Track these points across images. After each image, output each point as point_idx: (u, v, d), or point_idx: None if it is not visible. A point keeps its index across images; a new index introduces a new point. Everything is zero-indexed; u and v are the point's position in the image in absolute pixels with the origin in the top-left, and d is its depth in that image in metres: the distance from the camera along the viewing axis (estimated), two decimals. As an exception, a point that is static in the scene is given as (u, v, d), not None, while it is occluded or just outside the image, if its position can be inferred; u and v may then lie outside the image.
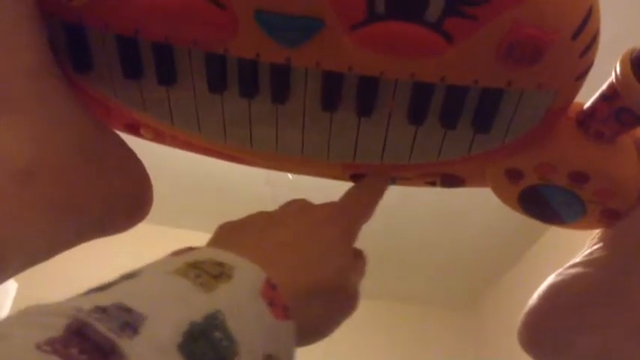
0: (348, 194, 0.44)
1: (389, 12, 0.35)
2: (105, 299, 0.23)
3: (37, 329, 0.20)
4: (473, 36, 0.35)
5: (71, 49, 0.40)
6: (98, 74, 0.42)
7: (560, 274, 0.50)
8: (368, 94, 0.41)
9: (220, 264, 0.27)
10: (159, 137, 0.48)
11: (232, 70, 0.41)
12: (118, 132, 0.46)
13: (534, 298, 0.50)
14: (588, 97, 0.44)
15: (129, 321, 0.22)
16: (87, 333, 0.20)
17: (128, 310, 0.22)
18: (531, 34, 0.35)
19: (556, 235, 2.12)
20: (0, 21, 0.35)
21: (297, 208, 0.39)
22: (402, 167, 0.48)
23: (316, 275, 0.34)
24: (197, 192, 2.24)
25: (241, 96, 0.42)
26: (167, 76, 0.41)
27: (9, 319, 0.21)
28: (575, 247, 0.52)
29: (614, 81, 0.40)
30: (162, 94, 0.43)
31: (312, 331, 0.33)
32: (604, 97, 0.42)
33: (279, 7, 0.35)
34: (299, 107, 0.43)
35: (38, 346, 0.19)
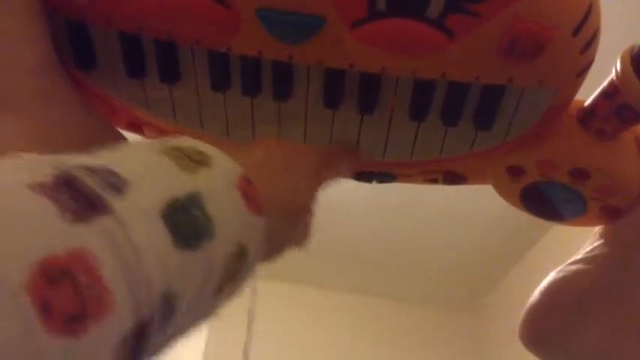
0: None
1: (390, 9, 0.35)
2: (89, 161, 0.23)
3: (26, 173, 0.20)
4: (474, 32, 0.35)
5: (74, 46, 0.41)
6: (101, 72, 0.42)
7: (560, 270, 0.50)
8: (370, 92, 0.41)
9: (200, 152, 0.28)
10: (162, 136, 0.48)
11: (235, 69, 0.41)
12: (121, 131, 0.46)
13: (535, 295, 0.50)
14: (590, 96, 0.44)
15: (115, 182, 0.22)
16: (75, 185, 0.21)
17: (114, 174, 0.23)
18: (532, 29, 0.35)
19: (557, 235, 2.12)
20: (3, 12, 0.35)
21: (276, 139, 0.39)
22: (404, 165, 0.48)
23: (289, 194, 0.35)
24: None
25: (244, 94, 0.42)
26: (170, 74, 0.41)
27: (2, 163, 0.21)
28: (576, 246, 0.52)
29: (614, 78, 0.41)
30: (165, 93, 0.43)
31: (272, 247, 0.33)
32: (605, 94, 0.42)
33: (281, 4, 0.35)
34: (301, 105, 0.43)
35: (29, 187, 0.19)
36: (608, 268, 0.48)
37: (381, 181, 0.52)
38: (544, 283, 0.50)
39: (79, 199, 0.20)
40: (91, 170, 0.22)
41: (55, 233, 0.19)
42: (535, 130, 0.43)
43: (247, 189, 0.29)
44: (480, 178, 0.50)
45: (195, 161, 0.27)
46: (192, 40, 0.39)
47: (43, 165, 0.21)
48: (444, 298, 2.74)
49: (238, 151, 0.35)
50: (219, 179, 0.28)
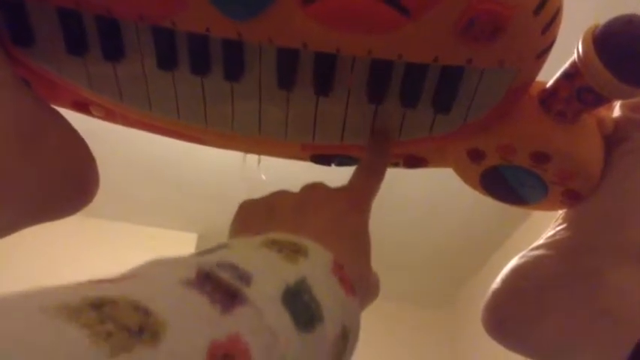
0: (360, 178, 0.43)
1: None
2: (215, 259, 0.25)
3: (174, 272, 0.23)
4: (431, 11, 0.34)
5: (9, 21, 0.38)
6: (40, 48, 0.40)
7: (523, 256, 0.49)
8: (325, 72, 0.39)
9: (294, 243, 0.30)
10: (110, 116, 0.46)
11: (182, 46, 0.39)
12: (67, 111, 0.44)
13: (497, 281, 0.50)
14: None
15: (241, 275, 0.24)
16: (215, 278, 0.23)
17: (237, 268, 0.25)
18: (490, 9, 0.33)
19: (528, 230, 2.12)
20: None
21: (323, 195, 0.39)
22: (363, 148, 0.46)
23: (364, 259, 0.37)
24: (171, 189, 2.20)
25: (193, 73, 0.40)
26: (113, 51, 0.39)
27: (142, 265, 0.24)
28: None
29: (575, 59, 0.39)
30: (109, 71, 0.41)
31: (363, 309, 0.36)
32: (566, 76, 0.41)
33: None
34: (254, 85, 0.41)
35: (181, 282, 0.22)
36: (570, 253, 0.47)
37: (340, 164, 0.50)
38: (506, 270, 0.50)
39: (221, 290, 0.23)
40: (220, 265, 0.24)
41: (214, 321, 0.21)
42: (495, 113, 0.42)
43: (341, 273, 0.30)
44: (440, 161, 0.49)
45: (294, 251, 0.29)
46: (135, 15, 0.37)
47: (184, 263, 0.24)
48: (419, 294, 2.74)
49: (297, 216, 0.36)
50: (318, 266, 0.29)
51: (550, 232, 0.50)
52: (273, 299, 0.25)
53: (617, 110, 0.46)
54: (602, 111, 0.45)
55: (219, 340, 0.20)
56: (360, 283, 0.33)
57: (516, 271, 0.49)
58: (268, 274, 0.26)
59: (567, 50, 0.41)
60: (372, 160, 0.43)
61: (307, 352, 0.25)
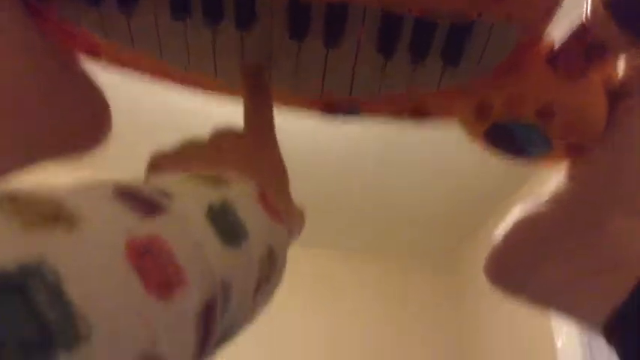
0: (250, 116, 0.42)
1: None
2: (135, 184, 0.25)
3: (91, 188, 0.22)
4: None
5: None
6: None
7: (525, 208, 0.50)
8: (336, 22, 0.40)
9: (217, 176, 0.30)
10: (121, 64, 0.47)
11: None
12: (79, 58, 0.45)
13: (500, 233, 0.51)
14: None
15: (163, 192, 0.25)
16: (134, 193, 0.23)
17: (158, 188, 0.25)
18: None
19: (532, 188, 2.13)
20: None
21: (233, 138, 0.39)
22: (371, 100, 0.47)
23: (283, 190, 0.38)
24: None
25: (205, 22, 0.41)
26: (127, 0, 0.40)
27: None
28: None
29: (583, 16, 0.40)
30: (122, 21, 0.41)
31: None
32: (574, 33, 0.41)
33: None
34: (265, 35, 0.42)
35: (98, 195, 0.22)
36: (571, 205, 0.48)
37: (349, 116, 0.51)
38: (508, 221, 0.51)
39: (141, 202, 0.22)
40: (140, 184, 0.24)
41: (133, 223, 0.21)
42: (503, 68, 0.42)
43: (266, 202, 0.31)
44: (446, 113, 0.49)
45: (217, 182, 0.29)
46: None
47: (103, 184, 0.23)
48: (422, 251, 2.76)
49: (212, 160, 0.36)
50: (241, 193, 0.30)
51: (553, 188, 0.50)
52: (197, 213, 0.25)
53: (622, 67, 0.47)
54: (607, 68, 0.46)
55: (138, 238, 0.20)
56: (284, 213, 0.33)
57: (519, 223, 0.50)
58: (191, 194, 0.26)
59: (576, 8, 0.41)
60: (252, 96, 0.43)
61: (234, 266, 0.25)
